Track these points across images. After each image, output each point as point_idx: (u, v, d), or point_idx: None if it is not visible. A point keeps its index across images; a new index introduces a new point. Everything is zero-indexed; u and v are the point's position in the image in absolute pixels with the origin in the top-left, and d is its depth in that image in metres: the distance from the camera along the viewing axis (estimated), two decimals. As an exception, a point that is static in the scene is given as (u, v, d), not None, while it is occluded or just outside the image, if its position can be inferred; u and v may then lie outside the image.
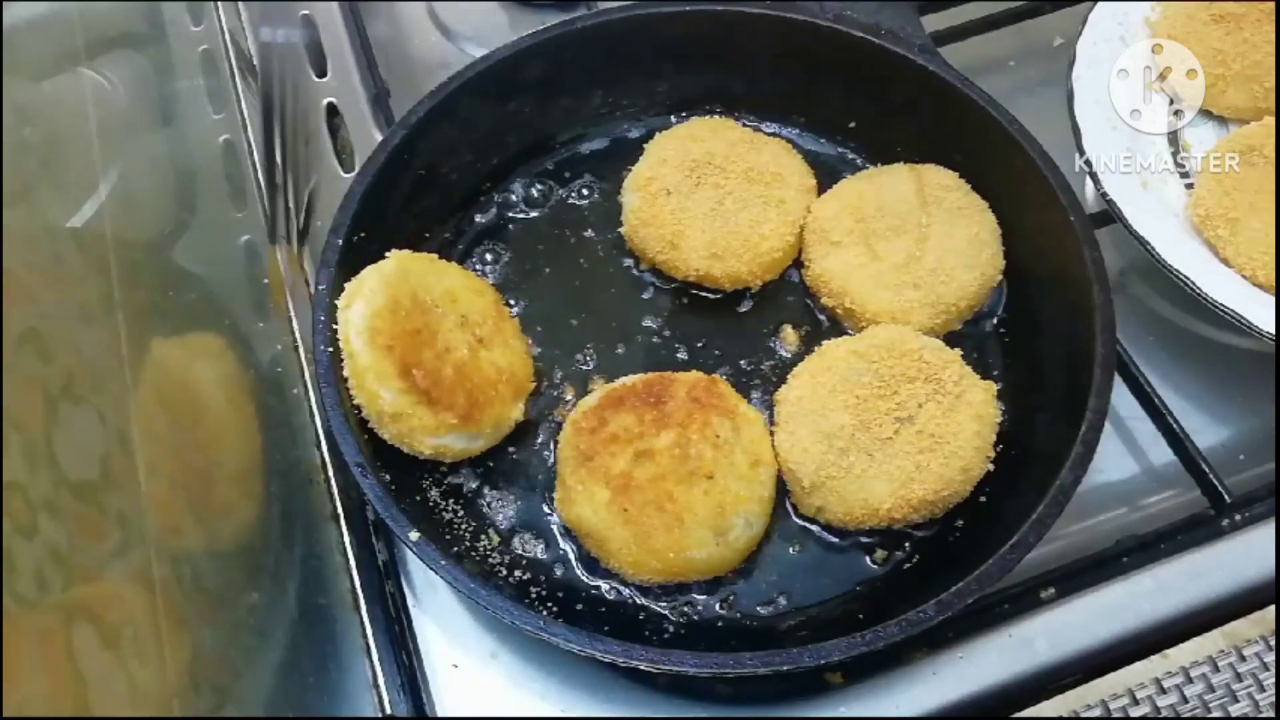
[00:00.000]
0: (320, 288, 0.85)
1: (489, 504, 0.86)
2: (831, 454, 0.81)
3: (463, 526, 0.84)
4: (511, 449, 0.88)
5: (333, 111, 1.13)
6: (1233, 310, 0.85)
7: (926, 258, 0.90)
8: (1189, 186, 0.98)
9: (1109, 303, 0.83)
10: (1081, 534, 0.87)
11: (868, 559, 0.83)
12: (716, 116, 1.02)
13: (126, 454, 0.70)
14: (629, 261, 0.98)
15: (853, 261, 0.91)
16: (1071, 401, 0.80)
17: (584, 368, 0.92)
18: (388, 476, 0.80)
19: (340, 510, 0.86)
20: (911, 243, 0.91)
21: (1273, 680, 0.76)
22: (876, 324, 0.89)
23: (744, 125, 1.01)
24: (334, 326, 0.81)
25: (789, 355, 0.93)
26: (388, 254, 0.84)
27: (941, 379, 0.82)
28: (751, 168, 0.95)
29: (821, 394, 0.83)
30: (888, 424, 0.81)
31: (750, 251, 0.93)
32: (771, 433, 0.84)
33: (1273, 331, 0.84)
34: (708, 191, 0.94)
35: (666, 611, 0.81)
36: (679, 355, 0.93)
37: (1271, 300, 0.88)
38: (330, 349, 0.82)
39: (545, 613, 0.78)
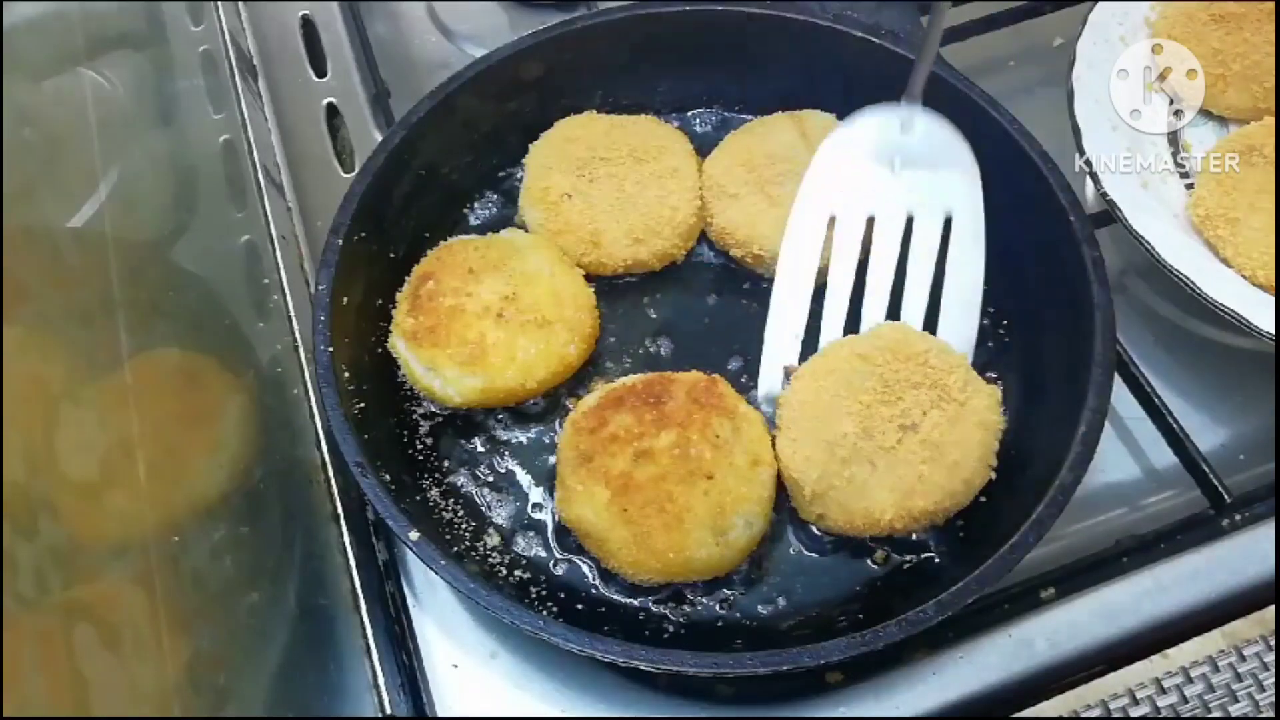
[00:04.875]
0: (320, 288, 0.85)
1: (489, 504, 0.86)
2: (834, 463, 0.80)
3: (463, 526, 0.85)
4: (512, 449, 0.89)
5: (333, 111, 1.14)
6: (1233, 310, 0.85)
7: None
8: (1189, 186, 0.98)
9: (1109, 303, 0.83)
10: (1081, 534, 0.87)
11: (868, 560, 0.83)
12: (577, 115, 1.02)
13: (126, 454, 0.70)
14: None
15: (752, 210, 0.94)
16: (1071, 401, 0.80)
17: (584, 367, 0.92)
18: (388, 476, 0.80)
19: (340, 510, 0.86)
20: None
21: (1273, 680, 0.76)
22: None
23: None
24: (334, 326, 0.82)
25: (789, 355, 0.93)
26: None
27: (946, 385, 0.82)
28: (634, 149, 0.97)
29: (824, 399, 0.82)
30: (891, 432, 0.80)
31: (668, 226, 0.95)
32: (773, 436, 0.84)
33: (1273, 331, 0.84)
34: (605, 183, 0.95)
35: (666, 611, 0.81)
36: (678, 355, 0.93)
37: (1271, 300, 0.88)
38: (330, 349, 0.83)
39: (545, 613, 0.78)
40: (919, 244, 0.89)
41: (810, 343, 0.89)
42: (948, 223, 0.89)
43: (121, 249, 0.80)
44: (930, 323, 0.88)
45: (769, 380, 0.89)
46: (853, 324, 0.89)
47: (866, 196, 0.90)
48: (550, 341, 0.87)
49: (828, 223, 0.90)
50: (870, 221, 0.90)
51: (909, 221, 0.90)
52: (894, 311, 0.89)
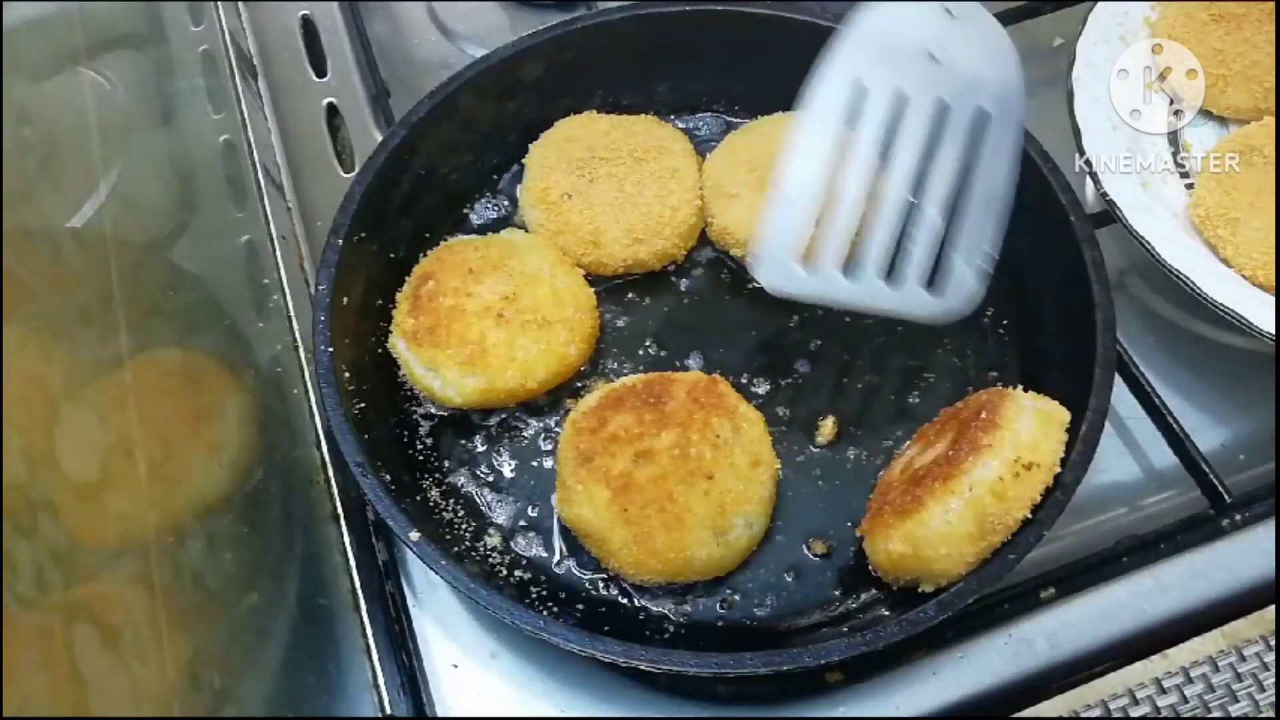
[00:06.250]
0: (320, 288, 0.85)
1: (489, 504, 0.86)
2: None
3: (463, 526, 0.85)
4: (512, 449, 0.89)
5: (333, 111, 1.14)
6: (1233, 310, 0.85)
7: None
8: (1189, 186, 0.98)
9: (1109, 303, 0.83)
10: (1081, 534, 0.87)
11: (867, 561, 0.83)
12: (577, 115, 1.02)
13: (126, 454, 0.70)
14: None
15: (752, 210, 0.93)
16: (1071, 401, 0.80)
17: (584, 367, 0.92)
18: (388, 476, 0.80)
19: (340, 510, 0.86)
20: None
21: (1273, 680, 0.76)
22: None
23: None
24: (334, 326, 0.82)
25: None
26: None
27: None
28: (635, 149, 0.97)
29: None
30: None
31: (668, 226, 0.95)
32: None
33: (1273, 331, 0.84)
34: (605, 183, 0.95)
35: (666, 611, 0.81)
36: (678, 355, 0.93)
37: (1271, 300, 0.88)
38: (330, 349, 0.83)
39: (545, 613, 0.78)
40: (950, 131, 0.82)
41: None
42: (983, 120, 0.82)
43: (121, 249, 0.80)
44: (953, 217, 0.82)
45: (773, 264, 0.82)
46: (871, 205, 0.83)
47: (899, 71, 0.82)
48: (550, 342, 0.87)
49: (854, 89, 0.83)
50: (901, 101, 0.82)
51: (943, 110, 0.82)
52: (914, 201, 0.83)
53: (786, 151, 0.82)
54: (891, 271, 0.83)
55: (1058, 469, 0.74)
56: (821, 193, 0.82)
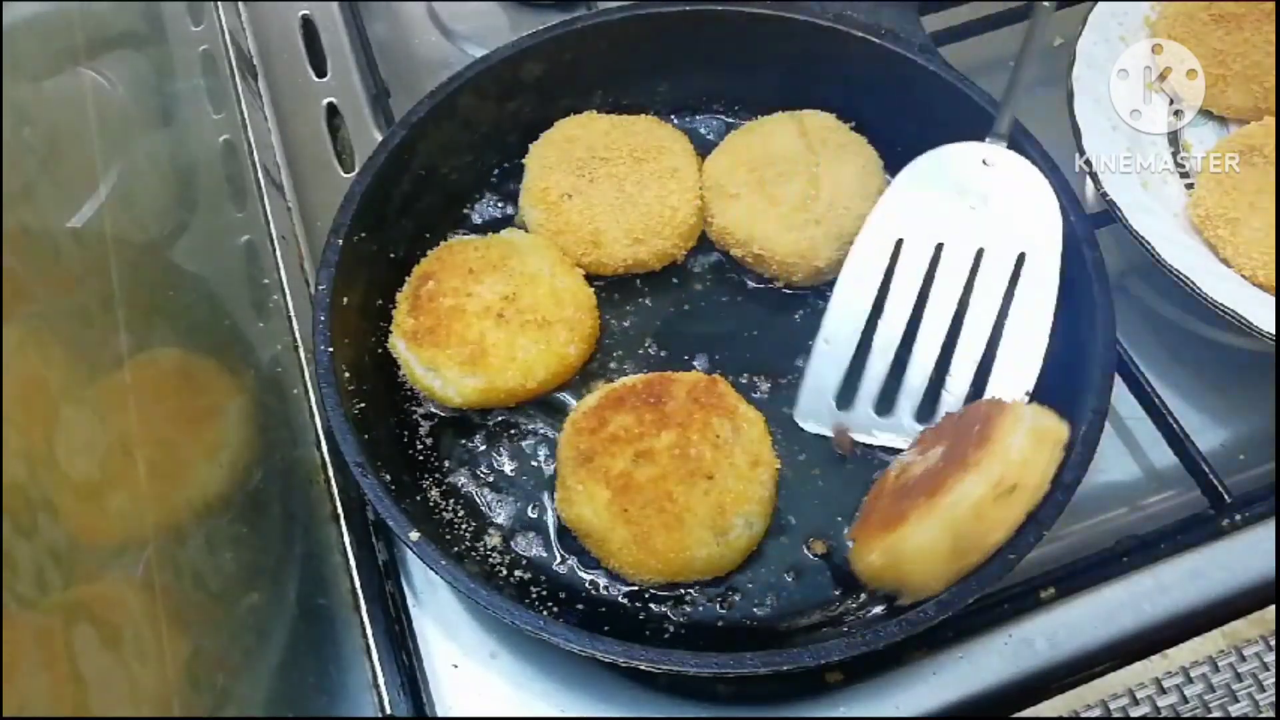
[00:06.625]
0: (320, 288, 0.85)
1: (489, 504, 0.86)
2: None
3: (463, 526, 0.85)
4: (512, 449, 0.89)
5: (333, 111, 1.14)
6: (1233, 310, 0.85)
7: (822, 195, 0.93)
8: (1189, 186, 0.98)
9: (1109, 303, 0.83)
10: (1081, 534, 0.87)
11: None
12: (577, 115, 1.02)
13: (126, 454, 0.70)
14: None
15: (753, 209, 0.94)
16: (1071, 401, 0.80)
17: (584, 367, 0.92)
18: (388, 476, 0.80)
19: (340, 510, 0.86)
20: (805, 183, 0.94)
21: (1273, 680, 0.76)
22: (787, 264, 0.93)
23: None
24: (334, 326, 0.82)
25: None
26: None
27: None
28: (635, 149, 0.97)
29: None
30: None
31: (668, 226, 0.95)
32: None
33: (1273, 331, 0.84)
34: (605, 183, 0.96)
35: (667, 611, 0.81)
36: (678, 355, 0.93)
37: (1271, 300, 0.88)
38: (330, 349, 0.83)
39: (545, 613, 0.78)
40: (986, 277, 0.86)
41: (858, 366, 0.88)
42: (1020, 263, 0.86)
43: (121, 249, 0.79)
44: (988, 359, 0.86)
45: (809, 406, 0.88)
46: (906, 346, 0.87)
47: (938, 224, 0.88)
48: (550, 341, 0.87)
49: (894, 246, 0.88)
50: (938, 250, 0.87)
51: (979, 256, 0.87)
52: (951, 343, 0.86)
53: (829, 304, 0.89)
54: (925, 405, 0.87)
55: (1046, 489, 0.73)
56: (857, 343, 0.88)
